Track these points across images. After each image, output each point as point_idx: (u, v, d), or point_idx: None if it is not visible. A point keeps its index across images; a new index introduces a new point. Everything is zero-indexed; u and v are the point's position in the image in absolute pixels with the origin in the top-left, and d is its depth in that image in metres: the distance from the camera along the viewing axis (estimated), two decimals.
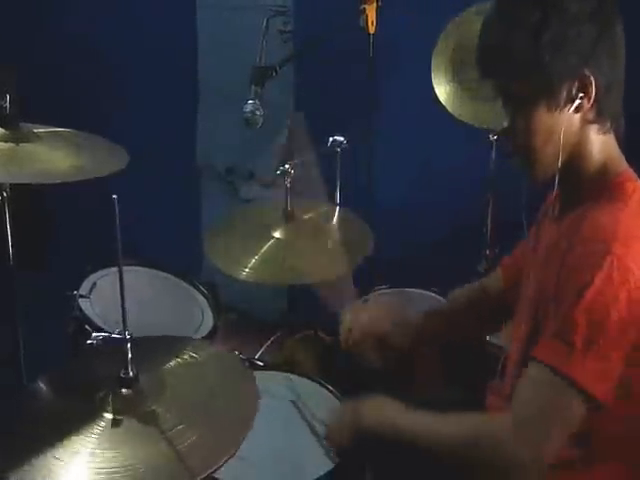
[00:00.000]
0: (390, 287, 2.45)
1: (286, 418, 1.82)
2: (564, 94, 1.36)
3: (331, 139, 2.19)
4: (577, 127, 1.39)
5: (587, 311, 1.28)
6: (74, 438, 1.30)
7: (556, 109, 1.37)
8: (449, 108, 2.41)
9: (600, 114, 1.39)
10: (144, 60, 3.24)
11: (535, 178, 1.45)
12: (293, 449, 1.73)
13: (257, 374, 1.77)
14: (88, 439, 1.30)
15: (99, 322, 1.98)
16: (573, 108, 1.37)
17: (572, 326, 1.29)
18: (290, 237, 2.15)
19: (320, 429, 1.74)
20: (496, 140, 2.35)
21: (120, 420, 1.33)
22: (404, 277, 2.48)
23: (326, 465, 1.66)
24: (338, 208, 2.25)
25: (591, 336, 1.28)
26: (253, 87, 2.00)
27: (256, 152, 3.25)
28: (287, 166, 2.09)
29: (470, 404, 1.78)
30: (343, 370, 2.23)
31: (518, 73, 1.37)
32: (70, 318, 2.03)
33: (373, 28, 2.33)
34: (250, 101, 1.98)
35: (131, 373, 1.36)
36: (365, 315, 1.89)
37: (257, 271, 2.07)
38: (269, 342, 2.56)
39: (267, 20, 2.14)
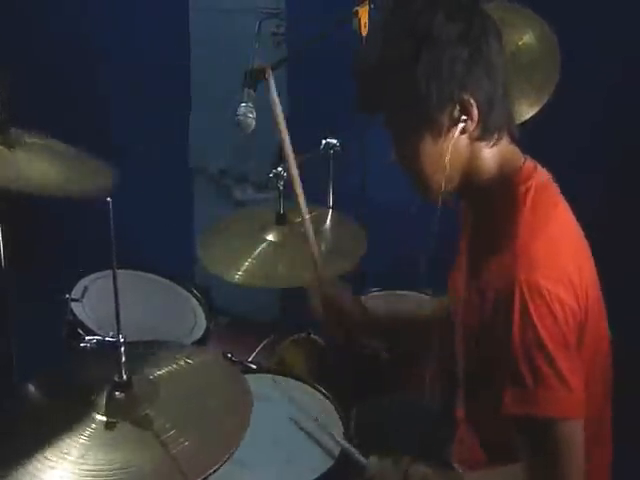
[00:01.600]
0: (384, 289, 2.45)
1: (280, 421, 1.81)
2: (446, 121, 1.35)
3: (324, 141, 2.19)
4: (465, 148, 1.39)
5: (520, 345, 1.29)
6: (67, 442, 1.30)
7: (440, 136, 1.36)
8: None
9: (486, 130, 1.38)
10: (137, 63, 3.24)
11: (430, 201, 1.49)
12: (287, 452, 1.73)
13: (250, 377, 1.78)
14: (81, 443, 1.29)
15: (92, 326, 1.98)
16: (457, 132, 1.36)
17: (517, 366, 1.30)
18: (283, 240, 2.15)
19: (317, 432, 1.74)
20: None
21: (113, 424, 1.33)
22: (398, 279, 2.48)
23: (322, 468, 1.66)
24: (331, 210, 2.25)
25: (536, 366, 1.29)
26: (246, 90, 2.00)
27: (249, 155, 3.24)
28: (280, 169, 2.08)
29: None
30: (336, 373, 2.23)
31: (396, 106, 1.38)
32: (62, 322, 2.02)
33: (366, 30, 2.32)
34: (243, 104, 1.97)
35: (124, 377, 1.36)
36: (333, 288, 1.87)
37: (250, 274, 2.07)
38: (262, 345, 2.56)
39: (260, 23, 2.14)
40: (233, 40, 2.95)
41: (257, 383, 1.77)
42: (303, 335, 2.50)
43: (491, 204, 1.44)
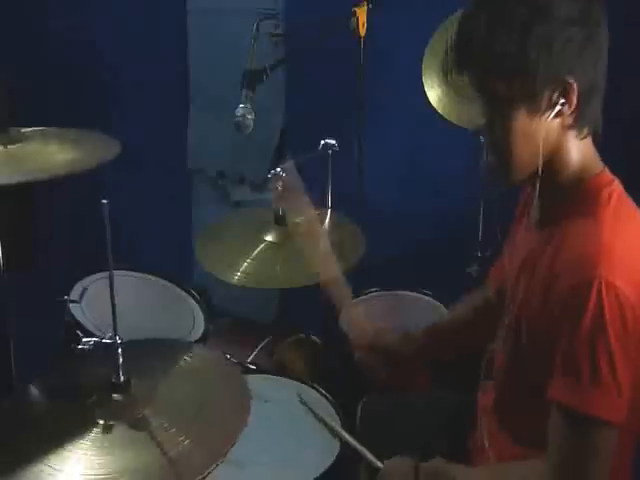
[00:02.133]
0: (382, 290, 2.45)
1: (279, 421, 1.82)
2: (546, 99, 1.32)
3: (322, 142, 2.19)
4: (556, 133, 1.36)
5: (587, 342, 1.27)
6: (64, 443, 1.29)
7: (536, 114, 1.33)
8: (440, 110, 2.41)
9: (580, 120, 1.36)
10: (135, 64, 3.24)
11: (507, 181, 1.43)
12: (287, 452, 1.73)
13: (249, 378, 1.77)
14: (79, 445, 1.29)
15: (90, 327, 1.98)
16: (553, 114, 1.34)
17: (577, 359, 1.28)
18: (282, 240, 2.14)
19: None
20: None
21: (111, 425, 1.32)
22: (395, 279, 2.48)
23: (322, 468, 1.66)
24: (330, 211, 2.25)
25: (597, 366, 1.27)
26: (244, 91, 2.00)
27: (247, 156, 3.25)
28: (278, 169, 2.08)
29: (463, 404, 1.79)
30: (335, 373, 2.23)
31: (500, 70, 1.32)
32: (61, 323, 2.02)
33: (364, 31, 2.33)
34: (241, 105, 1.97)
35: (122, 378, 1.36)
36: (370, 328, 1.91)
37: (249, 275, 2.07)
38: (261, 346, 2.56)
39: (257, 23, 2.14)
40: (231, 41, 2.95)
41: (256, 384, 1.77)
42: (302, 336, 2.50)
43: (570, 199, 1.40)
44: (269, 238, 2.15)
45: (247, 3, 3.09)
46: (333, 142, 2.19)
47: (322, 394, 1.90)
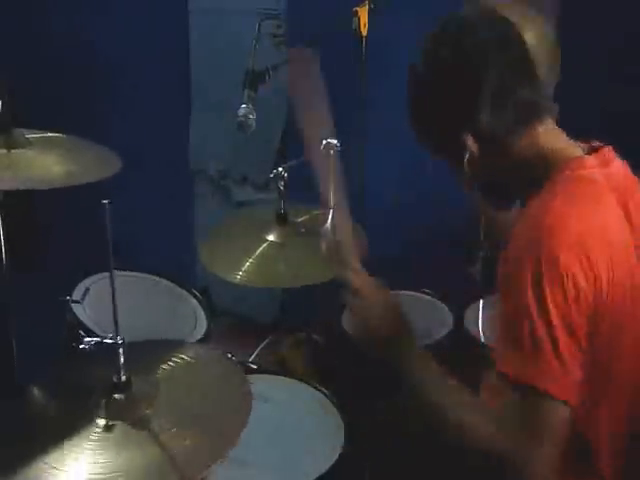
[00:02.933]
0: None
1: (281, 421, 1.82)
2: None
3: (324, 142, 2.19)
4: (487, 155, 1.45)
5: (527, 313, 1.30)
6: (66, 443, 1.30)
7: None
8: None
9: (495, 138, 1.43)
10: (137, 65, 3.24)
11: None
12: (288, 452, 1.74)
13: (251, 377, 1.78)
14: (81, 444, 1.30)
15: (92, 327, 1.98)
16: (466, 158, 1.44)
17: (518, 330, 1.31)
18: (284, 240, 2.15)
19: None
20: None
21: (113, 425, 1.33)
22: (396, 279, 2.48)
23: (323, 467, 1.66)
24: (332, 210, 2.25)
25: (536, 336, 1.29)
26: (246, 91, 2.00)
27: (249, 155, 3.25)
28: (280, 169, 2.09)
29: None
30: (337, 373, 2.23)
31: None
32: (63, 323, 2.02)
33: (365, 30, 2.33)
34: (243, 105, 1.98)
35: (123, 378, 1.36)
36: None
37: (251, 274, 2.07)
38: (262, 345, 2.56)
39: (259, 24, 2.14)
40: (233, 41, 2.95)
41: (257, 383, 1.77)
42: (303, 335, 2.51)
43: (537, 184, 1.44)
44: (271, 238, 2.15)
45: (249, 3, 3.09)
46: (335, 142, 2.19)
47: (323, 393, 1.91)
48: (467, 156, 1.44)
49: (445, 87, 1.44)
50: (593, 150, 1.48)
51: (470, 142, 1.43)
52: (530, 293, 1.30)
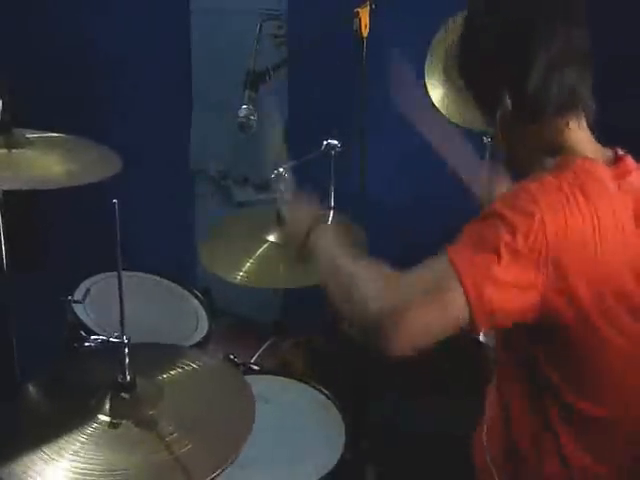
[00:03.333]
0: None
1: (282, 422, 1.82)
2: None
3: (325, 142, 2.19)
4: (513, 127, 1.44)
5: (491, 220, 1.29)
6: (71, 442, 1.30)
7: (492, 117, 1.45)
8: (443, 111, 2.41)
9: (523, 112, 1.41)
10: (138, 65, 3.24)
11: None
12: (290, 454, 1.73)
13: (252, 379, 1.78)
14: (85, 443, 1.30)
15: (93, 327, 1.98)
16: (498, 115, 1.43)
17: (476, 226, 1.31)
18: (284, 240, 2.14)
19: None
20: (490, 142, 2.36)
21: (117, 424, 1.33)
22: None
23: (325, 468, 1.66)
24: (332, 211, 2.25)
25: (487, 239, 1.27)
26: (247, 92, 2.00)
27: (250, 156, 3.25)
28: (281, 170, 2.09)
29: (470, 409, 1.79)
30: (339, 374, 2.23)
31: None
32: (64, 323, 2.02)
33: (366, 31, 2.32)
34: (244, 106, 1.97)
35: (128, 378, 1.36)
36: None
37: (252, 275, 2.07)
38: (264, 346, 2.56)
39: (260, 24, 2.14)
40: (234, 42, 2.95)
41: (260, 384, 1.77)
42: (305, 336, 2.51)
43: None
44: (272, 238, 2.15)
45: (250, 4, 3.09)
46: (335, 143, 2.19)
47: (324, 394, 1.90)
48: (499, 113, 1.42)
49: (504, 40, 1.40)
50: (616, 159, 1.45)
51: (506, 102, 1.40)
52: (498, 212, 1.29)
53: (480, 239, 1.29)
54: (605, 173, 1.39)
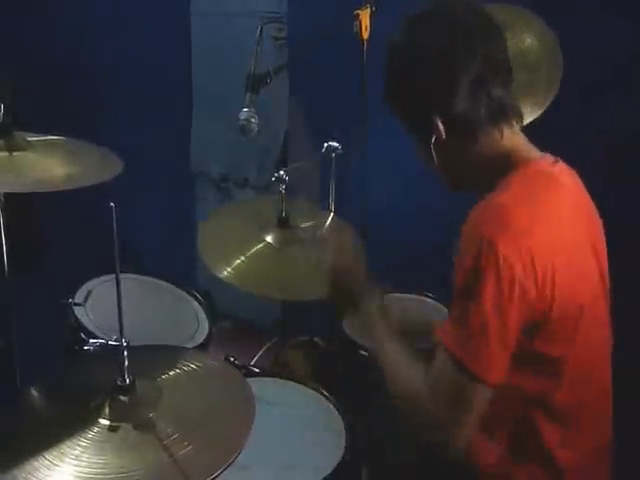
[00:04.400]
0: (385, 293, 2.44)
1: (283, 425, 1.82)
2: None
3: (326, 145, 2.19)
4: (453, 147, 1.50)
5: (463, 293, 1.37)
6: (71, 445, 1.30)
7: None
8: None
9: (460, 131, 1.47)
10: (139, 67, 3.25)
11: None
12: (289, 456, 1.73)
13: (253, 381, 1.78)
14: (84, 446, 1.30)
15: (94, 330, 1.98)
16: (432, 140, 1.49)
17: (456, 307, 1.39)
18: (282, 244, 2.13)
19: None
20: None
21: (116, 427, 1.33)
22: (399, 283, 2.48)
23: (325, 471, 1.66)
24: (332, 214, 2.25)
25: (467, 316, 1.36)
26: (248, 94, 2.00)
27: (251, 159, 3.25)
28: (282, 172, 2.09)
29: None
30: (339, 376, 2.23)
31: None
32: (65, 326, 2.02)
33: (367, 34, 2.33)
34: (245, 109, 1.97)
35: (127, 380, 1.36)
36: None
37: (243, 277, 2.03)
38: (264, 348, 2.56)
39: (261, 27, 2.15)
40: (234, 44, 2.96)
41: (260, 386, 1.77)
42: (305, 338, 2.50)
43: (493, 183, 1.49)
44: (270, 240, 2.13)
45: (251, 6, 3.09)
46: (336, 145, 2.19)
47: (325, 396, 1.90)
48: (434, 139, 1.49)
49: (426, 68, 1.46)
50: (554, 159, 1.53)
51: (439, 126, 1.47)
52: (468, 278, 1.36)
53: (464, 320, 1.37)
54: (550, 168, 1.49)
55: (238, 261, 2.06)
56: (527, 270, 1.35)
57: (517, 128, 1.52)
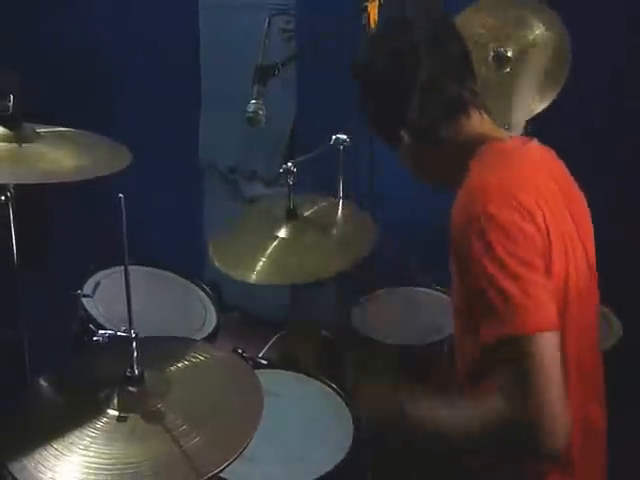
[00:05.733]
0: (393, 286, 2.45)
1: (290, 417, 1.82)
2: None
3: (334, 137, 2.19)
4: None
5: (482, 272, 1.34)
6: (79, 435, 1.31)
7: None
8: None
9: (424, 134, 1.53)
10: (147, 60, 3.25)
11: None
12: (298, 448, 1.74)
13: (261, 373, 1.78)
14: (93, 436, 1.31)
15: (103, 321, 1.99)
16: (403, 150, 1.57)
17: (487, 296, 1.34)
18: (294, 235, 2.14)
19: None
20: None
21: (125, 418, 1.34)
22: (407, 274, 2.48)
23: (331, 463, 1.66)
24: (342, 203, 2.25)
25: (500, 287, 1.32)
26: (256, 87, 2.00)
27: (259, 151, 3.25)
28: (289, 164, 2.09)
29: None
30: (346, 368, 2.23)
31: None
32: (74, 318, 2.03)
33: (375, 25, 2.32)
34: (253, 101, 1.97)
35: (136, 371, 1.37)
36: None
37: (263, 273, 2.05)
38: (272, 341, 2.56)
39: (269, 19, 2.14)
40: (243, 36, 2.95)
41: (268, 378, 1.77)
42: (313, 330, 2.50)
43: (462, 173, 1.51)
44: (281, 234, 2.14)
45: None
46: (344, 137, 2.19)
47: (333, 389, 1.91)
48: (403, 146, 1.55)
49: (381, 86, 1.54)
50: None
51: (405, 135, 1.53)
52: (480, 256, 1.34)
53: (500, 301, 1.33)
54: (517, 145, 1.52)
55: (259, 262, 2.07)
56: (529, 223, 1.36)
57: (479, 114, 1.54)
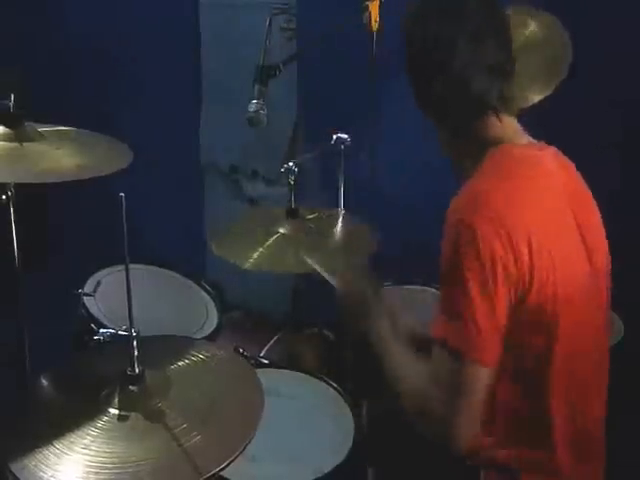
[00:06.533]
0: (393, 284, 2.45)
1: (291, 416, 1.82)
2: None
3: (335, 136, 2.20)
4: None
5: (450, 280, 1.38)
6: (79, 433, 1.31)
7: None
8: None
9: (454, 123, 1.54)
10: (147, 59, 3.24)
11: None
12: (299, 447, 1.74)
13: (262, 372, 1.78)
14: (94, 435, 1.31)
15: (104, 320, 1.99)
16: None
17: (443, 296, 1.41)
18: (295, 233, 2.15)
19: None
20: None
21: (126, 416, 1.34)
22: (407, 274, 2.48)
23: (332, 463, 1.66)
24: (342, 205, 2.26)
25: (454, 300, 1.37)
26: (257, 86, 2.00)
27: (260, 150, 3.25)
28: (291, 164, 2.09)
29: None
30: (347, 368, 2.23)
31: None
32: (75, 316, 2.03)
33: (376, 25, 2.32)
34: (254, 101, 1.97)
35: (137, 370, 1.37)
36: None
37: (263, 261, 2.07)
38: (274, 340, 2.57)
39: (270, 18, 2.14)
40: (244, 36, 2.95)
41: (269, 378, 1.77)
42: (315, 330, 2.51)
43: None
44: (282, 230, 2.15)
45: None
46: (346, 136, 2.19)
47: (334, 388, 1.91)
48: (440, 133, 1.56)
49: (415, 65, 1.54)
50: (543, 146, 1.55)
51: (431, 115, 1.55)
52: (448, 258, 1.38)
53: (452, 308, 1.38)
54: (533, 152, 1.51)
55: (257, 253, 2.10)
56: (506, 247, 1.35)
57: (506, 117, 1.52)
